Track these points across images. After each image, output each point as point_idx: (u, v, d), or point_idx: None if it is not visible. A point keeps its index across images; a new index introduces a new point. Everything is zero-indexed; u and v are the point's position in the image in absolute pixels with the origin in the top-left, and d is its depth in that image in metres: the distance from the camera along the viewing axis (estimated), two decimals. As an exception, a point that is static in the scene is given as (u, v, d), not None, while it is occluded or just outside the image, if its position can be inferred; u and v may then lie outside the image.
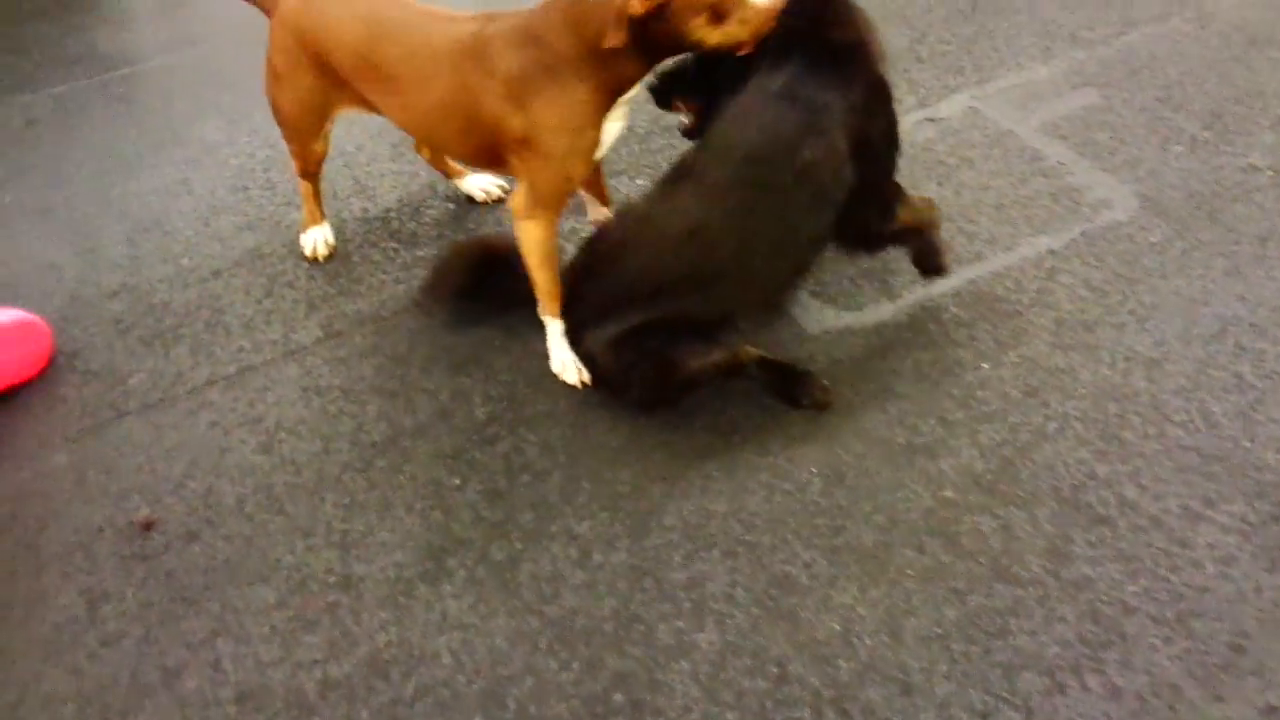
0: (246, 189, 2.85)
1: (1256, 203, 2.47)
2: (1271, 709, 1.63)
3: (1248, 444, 1.98)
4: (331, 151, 2.45)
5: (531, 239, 2.09)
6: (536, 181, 2.03)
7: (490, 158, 2.09)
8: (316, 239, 2.58)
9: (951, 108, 2.85)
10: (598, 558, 1.92)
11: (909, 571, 1.84)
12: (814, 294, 2.36)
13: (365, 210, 2.73)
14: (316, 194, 2.53)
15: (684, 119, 2.26)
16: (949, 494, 1.95)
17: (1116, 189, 2.54)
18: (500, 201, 2.69)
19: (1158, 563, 1.82)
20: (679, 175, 2.03)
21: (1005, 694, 1.68)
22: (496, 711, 1.72)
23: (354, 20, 2.12)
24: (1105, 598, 1.78)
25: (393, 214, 2.71)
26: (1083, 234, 2.43)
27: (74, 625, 1.88)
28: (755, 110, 1.94)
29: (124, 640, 1.86)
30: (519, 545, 1.95)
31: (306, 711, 1.73)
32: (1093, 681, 1.68)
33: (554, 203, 2.06)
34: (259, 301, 2.49)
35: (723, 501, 1.98)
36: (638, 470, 2.05)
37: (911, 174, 2.64)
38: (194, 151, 3.03)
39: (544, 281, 2.14)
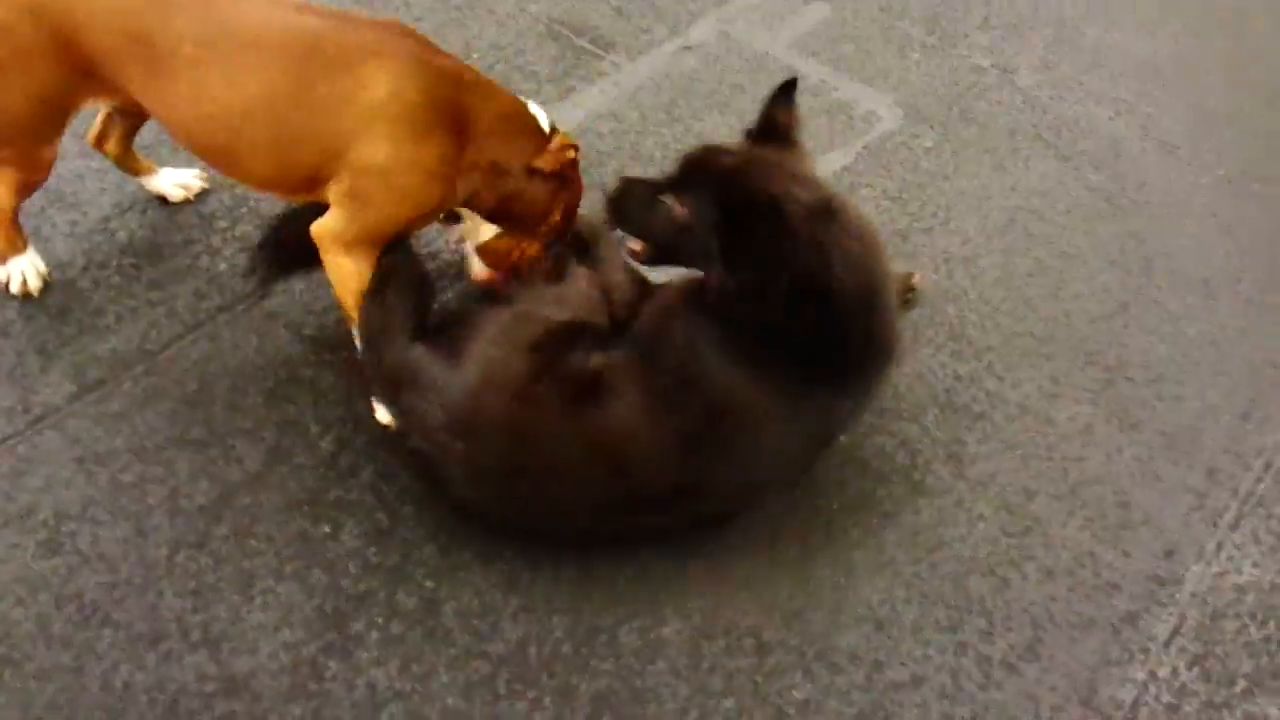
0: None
1: (994, 99, 2.70)
2: (1168, 553, 1.84)
3: (1064, 320, 2.19)
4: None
5: (350, 275, 1.76)
6: (374, 217, 1.72)
7: (301, 180, 1.74)
8: (24, 269, 2.01)
9: (702, 33, 2.81)
10: (525, 577, 1.71)
11: (836, 505, 1.84)
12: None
13: (74, 224, 2.16)
14: (16, 214, 1.96)
15: (632, 245, 1.84)
16: (845, 421, 1.97)
17: (878, 100, 2.65)
18: (200, 195, 2.25)
19: (1036, 444, 1.97)
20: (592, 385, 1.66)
21: (962, 603, 1.74)
22: (478, 779, 1.49)
23: None
24: (1009, 488, 1.89)
25: (113, 223, 2.18)
26: (865, 147, 2.52)
27: None
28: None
29: None
30: (430, 584, 1.68)
31: None
32: (1029, 569, 1.79)
33: (384, 240, 1.76)
34: (-36, 362, 1.91)
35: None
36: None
37: (690, 105, 2.58)
38: None
39: (359, 314, 1.82)
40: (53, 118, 1.79)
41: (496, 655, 1.62)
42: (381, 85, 1.64)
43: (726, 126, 2.53)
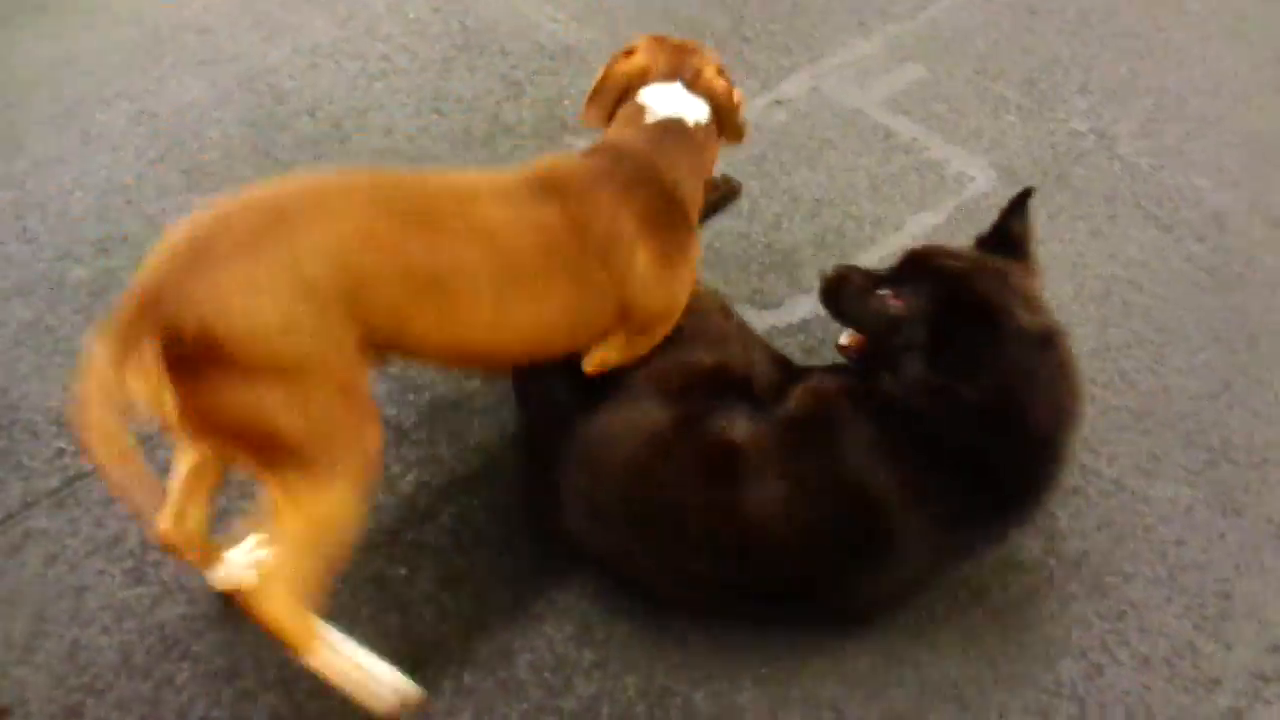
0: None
1: (1091, 164, 2.64)
2: (1273, 648, 1.74)
3: (1164, 395, 2.11)
4: None
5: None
6: (661, 334, 1.71)
7: (585, 343, 1.68)
8: None
9: (794, 89, 2.80)
10: (600, 631, 1.68)
11: (973, 581, 1.78)
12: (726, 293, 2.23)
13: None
14: None
15: (845, 339, 1.79)
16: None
17: (971, 160, 2.61)
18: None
19: (1133, 524, 1.89)
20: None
21: (1052, 687, 1.66)
22: (546, 841, 1.46)
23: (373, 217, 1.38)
24: (1103, 569, 1.82)
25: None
26: (957, 207, 2.48)
27: None
28: None
29: None
30: (505, 634, 1.67)
31: None
32: (1123, 655, 1.71)
33: None
34: (65, 388, 1.96)
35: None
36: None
37: (779, 158, 2.57)
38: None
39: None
40: (361, 405, 1.41)
41: (569, 711, 1.59)
42: (631, 228, 1.57)
43: (815, 182, 2.52)
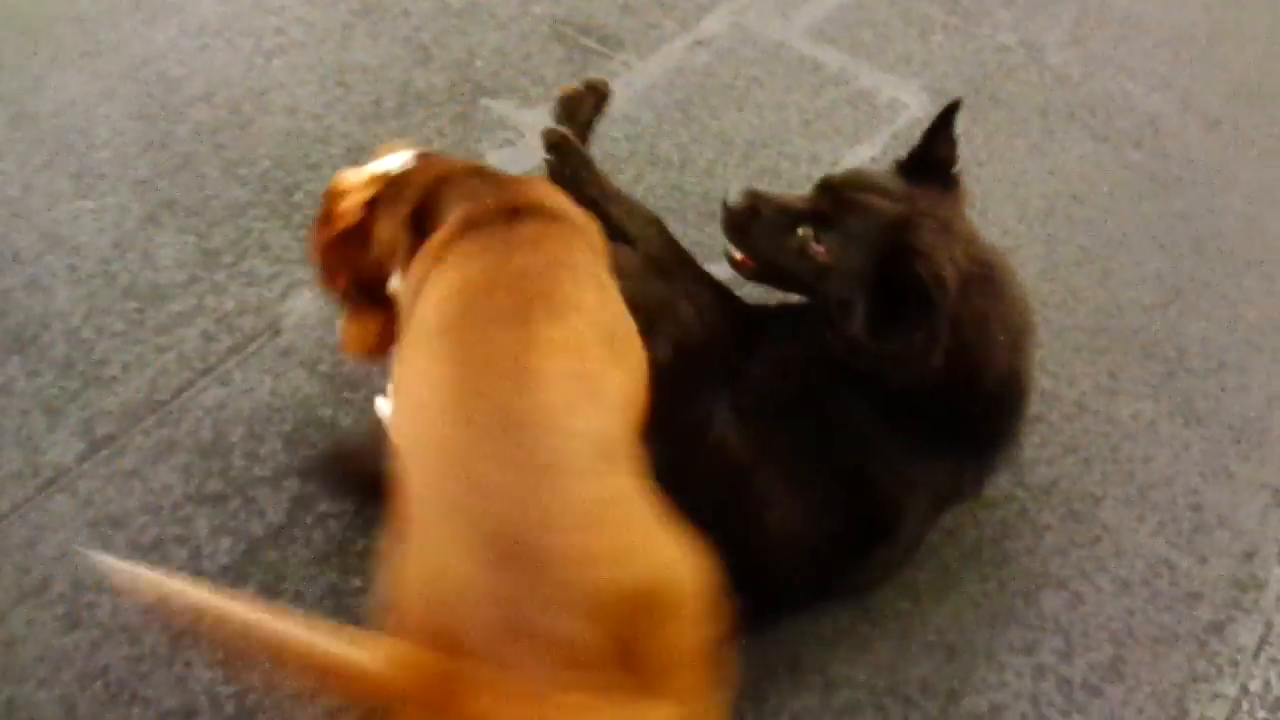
0: (-124, 274, 2.06)
1: (1022, 79, 2.59)
2: (1248, 555, 1.74)
3: (1116, 310, 2.08)
4: None
5: None
6: None
7: None
8: None
9: (715, 26, 2.69)
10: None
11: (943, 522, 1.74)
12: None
13: (73, 269, 2.07)
14: None
15: (735, 254, 1.71)
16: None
17: (902, 86, 2.54)
18: (204, 232, 2.15)
19: (1099, 445, 1.87)
20: None
21: (1035, 621, 1.64)
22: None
23: None
24: (1074, 494, 1.79)
25: (114, 265, 2.08)
26: (893, 135, 2.41)
27: None
28: None
29: None
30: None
31: None
32: (1102, 581, 1.69)
33: None
34: (-34, 424, 1.82)
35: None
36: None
37: (706, 102, 2.47)
38: None
39: None
40: None
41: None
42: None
43: (746, 123, 2.42)
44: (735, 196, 1.65)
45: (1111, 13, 2.81)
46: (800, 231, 1.56)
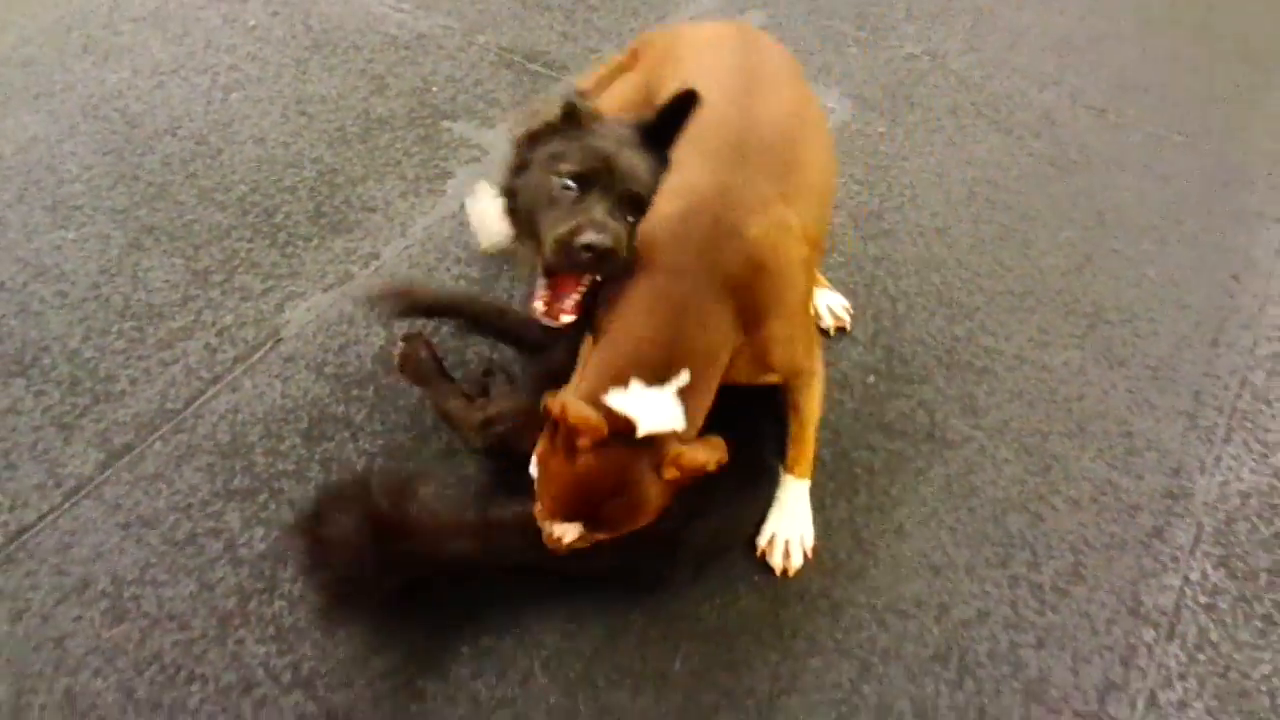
0: None
1: (930, 83, 2.87)
2: (1175, 470, 1.99)
3: (1039, 275, 2.34)
4: None
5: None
6: None
7: None
8: None
9: (650, 49, 2.91)
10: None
11: (873, 468, 1.93)
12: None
13: (63, 294, 2.12)
14: None
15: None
16: (864, 388, 2.06)
17: (826, 94, 2.79)
18: (192, 253, 2.24)
19: (1039, 390, 2.10)
20: None
21: (1005, 539, 1.85)
22: None
23: None
24: (1024, 432, 2.02)
25: (104, 289, 2.14)
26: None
27: None
28: None
29: None
30: (512, 599, 1.70)
31: None
32: (1057, 502, 1.91)
33: None
34: (-20, 444, 1.85)
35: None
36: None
37: (652, 117, 2.67)
38: None
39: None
40: None
41: (589, 651, 1.65)
42: None
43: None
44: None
45: (999, 22, 3.14)
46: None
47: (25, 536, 1.73)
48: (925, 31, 3.07)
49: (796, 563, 1.77)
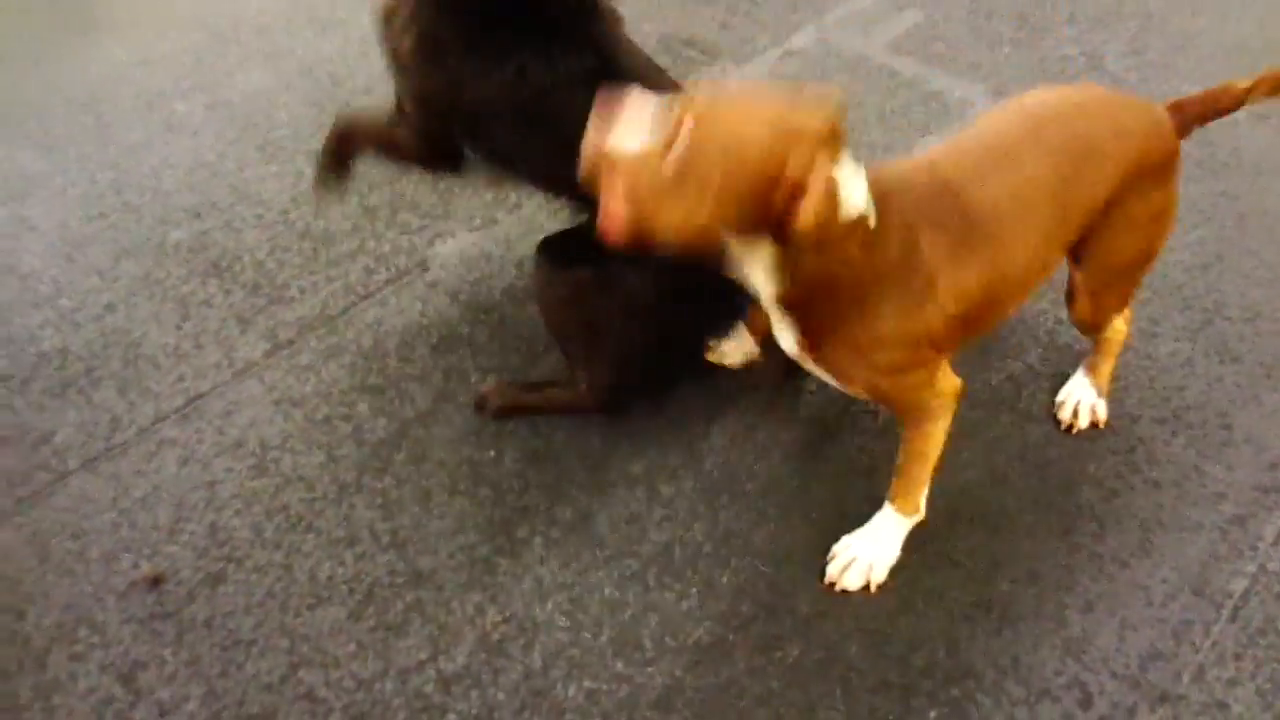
0: (104, 216, 2.51)
1: (1084, 81, 2.85)
2: (1272, 466, 1.93)
3: (1160, 269, 2.30)
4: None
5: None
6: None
7: None
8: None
9: (803, 41, 3.04)
10: (667, 490, 1.91)
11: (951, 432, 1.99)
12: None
13: (259, 216, 2.49)
14: None
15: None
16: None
17: (970, 88, 2.84)
18: (366, 190, 2.56)
19: (1138, 376, 2.09)
20: None
21: (1072, 509, 1.86)
22: (633, 653, 1.67)
23: None
24: (1114, 414, 2.01)
25: (292, 215, 2.50)
26: (961, 127, 2.69)
27: (113, 706, 1.61)
28: None
29: (186, 704, 1.62)
30: (582, 499, 1.89)
31: (437, 712, 1.60)
32: (1135, 481, 1.91)
33: None
34: (177, 327, 2.22)
35: (754, 413, 2.04)
36: (676, 401, 2.05)
37: (793, 101, 2.80)
38: (16, 187, 2.61)
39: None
40: None
41: (645, 555, 1.81)
42: None
43: (828, 117, 2.75)
44: None
45: (1169, 27, 3.06)
46: None
47: (199, 400, 2.07)
48: (1086, 34, 3.04)
49: (852, 585, 1.75)
